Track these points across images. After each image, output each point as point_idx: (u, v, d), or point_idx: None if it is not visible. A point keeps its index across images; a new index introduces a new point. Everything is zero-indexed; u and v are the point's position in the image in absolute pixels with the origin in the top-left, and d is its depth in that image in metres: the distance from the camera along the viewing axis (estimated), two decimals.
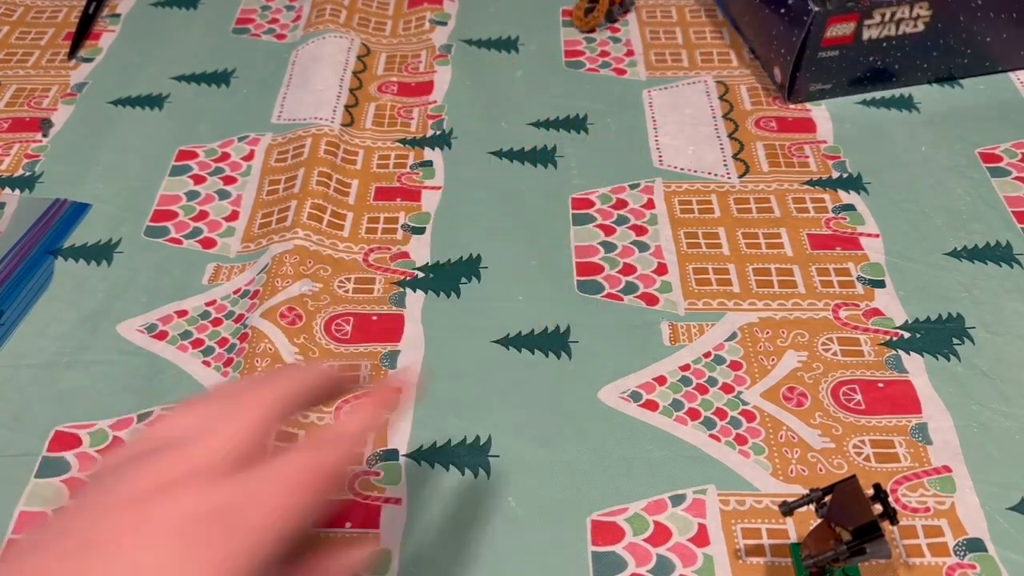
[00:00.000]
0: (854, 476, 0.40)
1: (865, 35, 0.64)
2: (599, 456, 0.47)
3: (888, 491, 0.41)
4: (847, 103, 0.68)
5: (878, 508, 0.39)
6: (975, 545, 0.43)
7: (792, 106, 0.67)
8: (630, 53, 0.73)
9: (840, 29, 0.62)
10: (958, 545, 0.43)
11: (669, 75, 0.71)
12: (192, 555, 0.27)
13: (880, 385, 0.49)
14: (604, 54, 0.74)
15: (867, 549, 0.38)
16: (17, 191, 0.62)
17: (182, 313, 0.54)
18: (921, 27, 0.64)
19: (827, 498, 0.40)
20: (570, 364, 0.51)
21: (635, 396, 0.49)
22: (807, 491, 0.40)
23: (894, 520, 0.39)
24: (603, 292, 0.55)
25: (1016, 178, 0.61)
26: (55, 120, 0.68)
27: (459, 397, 0.49)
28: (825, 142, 0.65)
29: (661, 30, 0.76)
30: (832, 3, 0.62)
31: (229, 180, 0.63)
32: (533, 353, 0.52)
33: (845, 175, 0.62)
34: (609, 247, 0.57)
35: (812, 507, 0.40)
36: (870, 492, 0.39)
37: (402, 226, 0.59)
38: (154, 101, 0.70)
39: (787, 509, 0.40)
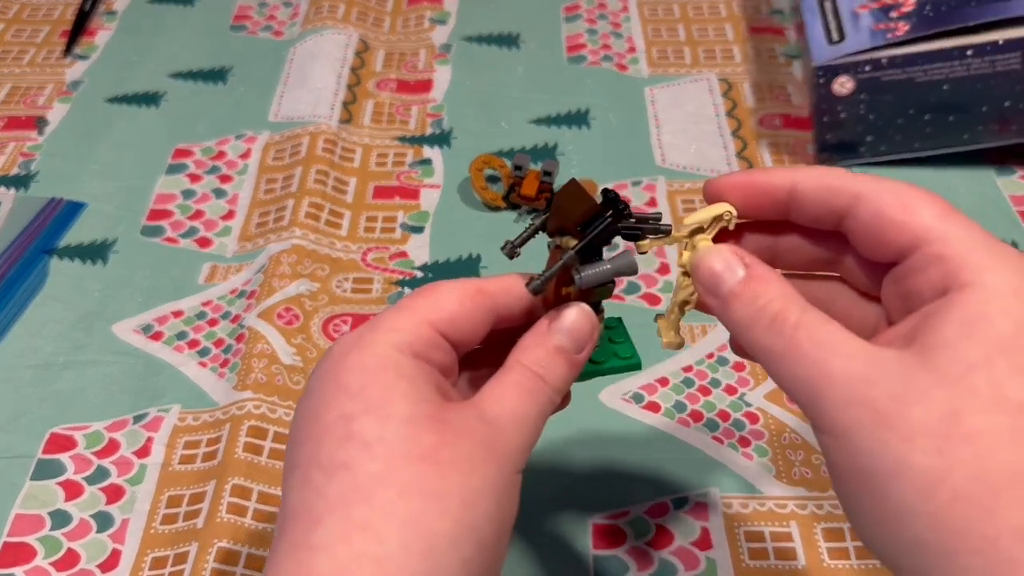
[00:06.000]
0: (572, 180, 0.31)
1: None
2: (600, 458, 0.46)
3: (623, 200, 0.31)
4: None
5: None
6: None
7: (797, 104, 0.67)
8: (632, 50, 0.73)
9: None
10: None
11: (671, 72, 0.71)
12: None
13: None
14: (606, 47, 0.73)
15: (597, 243, 0.30)
16: (12, 190, 0.62)
17: (178, 313, 0.54)
18: None
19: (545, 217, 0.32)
20: None
21: (637, 398, 0.49)
22: (528, 224, 0.33)
23: (624, 217, 0.30)
24: None
25: (1021, 177, 0.61)
26: (51, 118, 0.68)
27: None
28: None
29: (663, 27, 0.75)
30: None
31: (226, 179, 0.62)
32: None
33: None
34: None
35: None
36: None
37: (401, 225, 0.59)
38: (150, 99, 0.70)
39: (511, 250, 0.32)
